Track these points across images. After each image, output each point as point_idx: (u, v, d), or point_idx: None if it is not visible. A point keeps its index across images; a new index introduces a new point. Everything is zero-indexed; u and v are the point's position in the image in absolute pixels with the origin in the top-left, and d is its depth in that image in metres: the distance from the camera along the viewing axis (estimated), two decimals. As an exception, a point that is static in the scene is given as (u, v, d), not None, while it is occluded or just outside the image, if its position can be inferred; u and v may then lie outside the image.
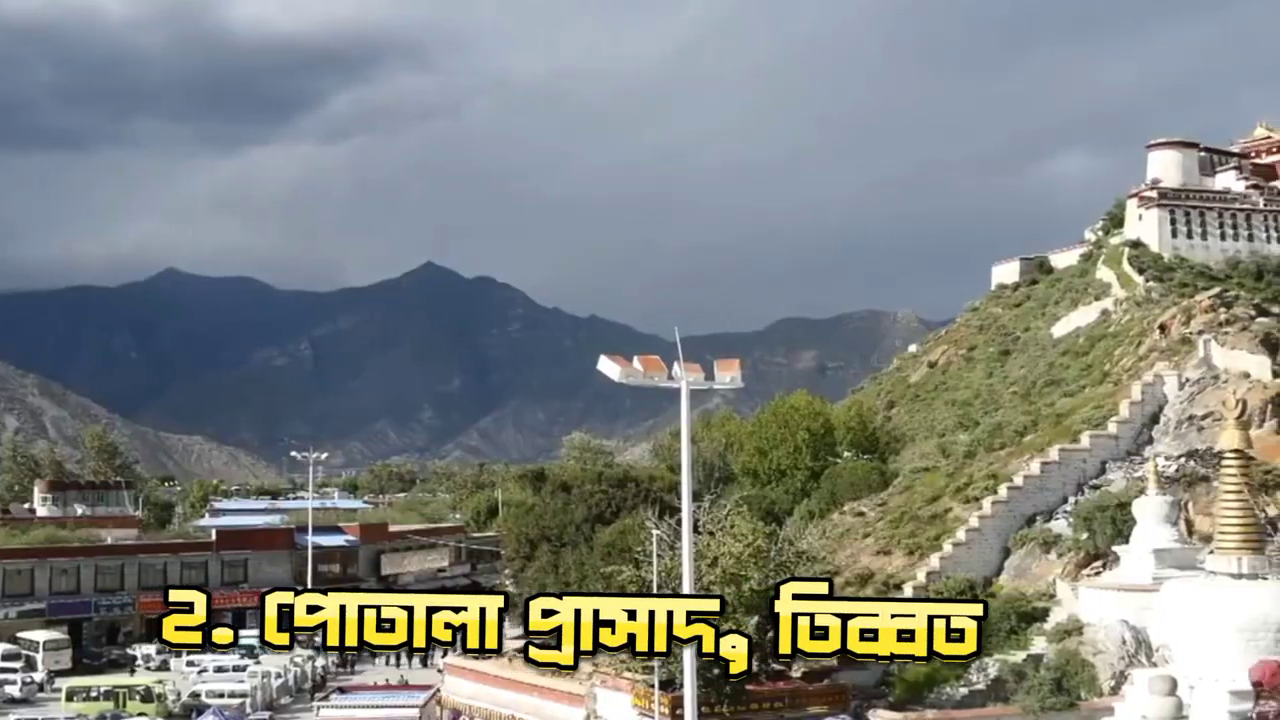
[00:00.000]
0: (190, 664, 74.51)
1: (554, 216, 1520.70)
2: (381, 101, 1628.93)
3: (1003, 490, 58.80)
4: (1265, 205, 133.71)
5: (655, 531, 44.86)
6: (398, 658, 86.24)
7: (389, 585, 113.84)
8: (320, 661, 79.99)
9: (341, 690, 60.52)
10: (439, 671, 68.37)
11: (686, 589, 28.74)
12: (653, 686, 43.56)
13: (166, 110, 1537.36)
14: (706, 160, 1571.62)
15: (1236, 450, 33.15)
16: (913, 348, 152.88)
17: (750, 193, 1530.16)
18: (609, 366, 26.67)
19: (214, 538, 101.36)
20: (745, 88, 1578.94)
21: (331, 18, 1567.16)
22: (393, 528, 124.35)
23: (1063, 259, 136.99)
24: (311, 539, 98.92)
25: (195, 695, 64.21)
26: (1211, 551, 35.02)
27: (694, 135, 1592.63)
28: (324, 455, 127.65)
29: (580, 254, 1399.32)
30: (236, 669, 69.89)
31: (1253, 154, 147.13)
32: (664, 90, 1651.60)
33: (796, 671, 49.40)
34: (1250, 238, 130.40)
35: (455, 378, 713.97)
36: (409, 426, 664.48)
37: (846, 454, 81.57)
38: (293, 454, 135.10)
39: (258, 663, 70.82)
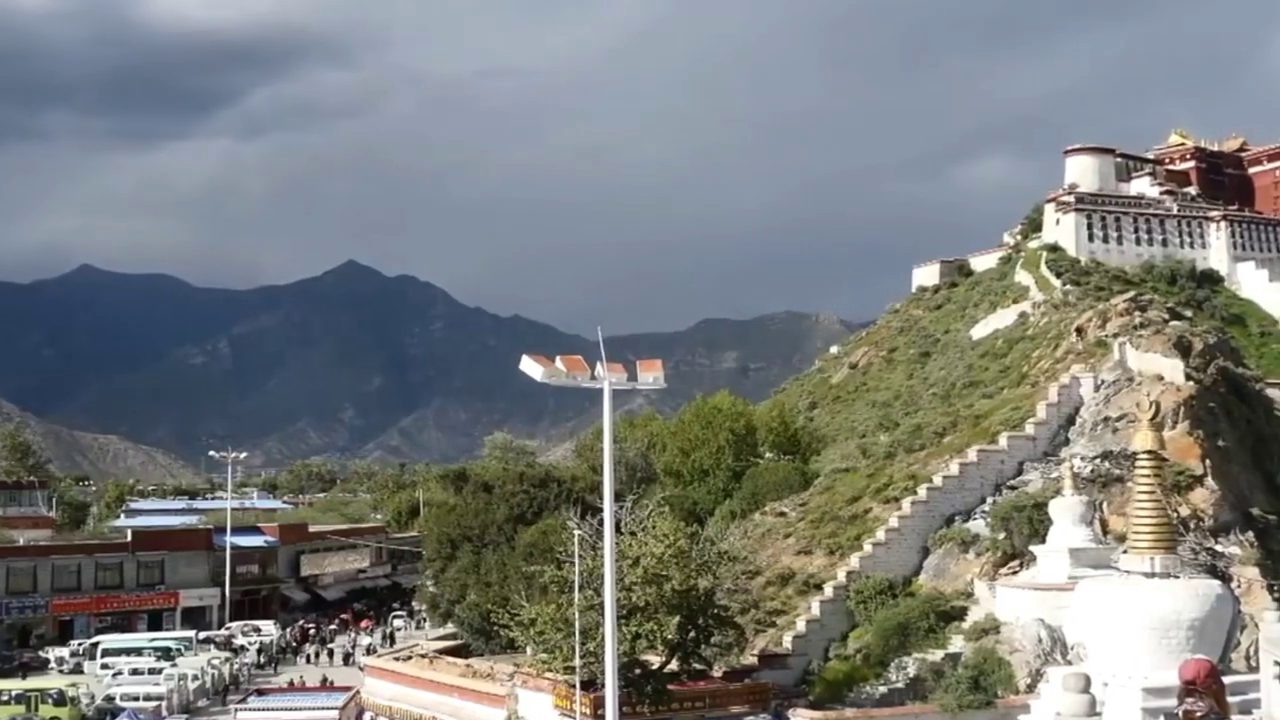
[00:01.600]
0: (105, 666, 73.40)
1: (477, 215, 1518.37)
2: (301, 98, 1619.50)
3: (922, 491, 59.25)
4: (1179, 211, 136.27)
5: (577, 532, 44.76)
6: (316, 655, 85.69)
7: (309, 586, 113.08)
8: (242, 660, 79.21)
9: (260, 692, 59.83)
10: (361, 670, 67.90)
11: (608, 589, 28.76)
12: (574, 687, 43.49)
13: (82, 104, 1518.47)
14: (629, 160, 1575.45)
15: (1150, 451, 33.65)
16: (834, 349, 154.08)
17: (673, 193, 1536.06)
18: (532, 366, 26.62)
19: (130, 539, 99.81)
20: (668, 89, 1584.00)
21: (250, 13, 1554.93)
22: (313, 528, 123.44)
23: (982, 262, 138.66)
24: (230, 540, 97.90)
25: (110, 698, 63.25)
26: (1125, 551, 35.51)
27: (617, 135, 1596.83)
28: (243, 455, 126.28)
29: (503, 253, 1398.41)
30: (152, 671, 68.91)
31: (1167, 160, 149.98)
32: (587, 90, 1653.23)
33: (718, 671, 49.56)
34: (1164, 243, 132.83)
35: (376, 377, 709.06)
36: (329, 426, 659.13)
37: (768, 454, 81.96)
38: (211, 454, 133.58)
39: (174, 665, 69.91)
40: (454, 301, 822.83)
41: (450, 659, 58.27)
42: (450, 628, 68.80)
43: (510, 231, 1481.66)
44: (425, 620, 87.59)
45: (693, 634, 46.81)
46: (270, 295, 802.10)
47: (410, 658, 60.34)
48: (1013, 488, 58.70)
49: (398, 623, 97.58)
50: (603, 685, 32.98)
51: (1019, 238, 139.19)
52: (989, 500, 58.43)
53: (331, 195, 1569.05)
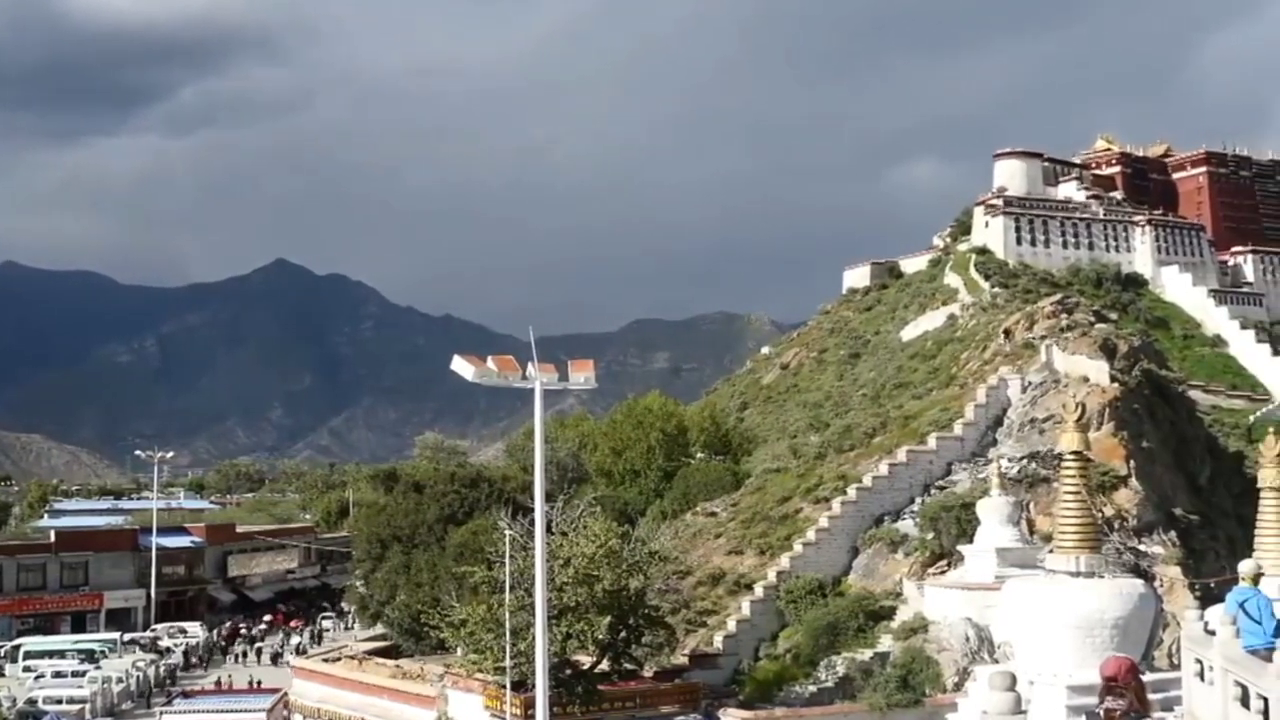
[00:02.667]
0: (27, 669, 72.20)
1: (409, 214, 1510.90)
2: (231, 94, 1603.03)
3: (852, 491, 59.63)
4: (1105, 215, 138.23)
5: (508, 532, 44.66)
6: (244, 656, 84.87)
7: (236, 587, 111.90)
8: (168, 662, 78.24)
9: (185, 694, 59.10)
10: (289, 671, 67.27)
11: (539, 590, 28.72)
12: (505, 687, 43.38)
13: (6, 98, 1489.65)
14: (561, 160, 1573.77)
15: (1075, 452, 33.91)
16: (765, 350, 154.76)
17: (605, 194, 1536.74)
18: (463, 366, 26.54)
19: (53, 539, 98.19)
20: (601, 88, 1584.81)
21: (181, 7, 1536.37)
22: (240, 528, 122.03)
23: (912, 264, 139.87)
24: (156, 540, 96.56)
25: (32, 701, 62.15)
26: (1051, 550, 35.85)
27: (549, 134, 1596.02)
28: (169, 454, 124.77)
29: (435, 253, 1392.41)
30: (76, 674, 67.86)
31: (1093, 165, 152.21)
32: (519, 89, 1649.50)
33: (649, 671, 49.61)
34: (1090, 246, 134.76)
35: (306, 376, 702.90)
36: (258, 425, 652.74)
37: (699, 455, 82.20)
38: (137, 453, 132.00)
39: (98, 667, 68.92)
40: (385, 301, 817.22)
41: (379, 660, 57.96)
42: (380, 629, 68.38)
43: (443, 231, 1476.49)
44: (355, 621, 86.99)
45: (623, 634, 46.83)
46: (199, 293, 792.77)
47: (339, 659, 59.96)
48: (941, 488, 59.25)
49: (326, 623, 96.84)
50: (533, 686, 32.92)
51: (948, 240, 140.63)
52: (918, 500, 58.93)
53: (262, 193, 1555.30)
